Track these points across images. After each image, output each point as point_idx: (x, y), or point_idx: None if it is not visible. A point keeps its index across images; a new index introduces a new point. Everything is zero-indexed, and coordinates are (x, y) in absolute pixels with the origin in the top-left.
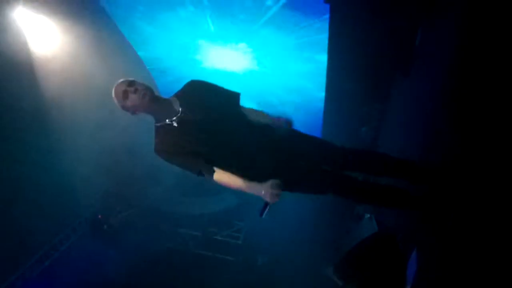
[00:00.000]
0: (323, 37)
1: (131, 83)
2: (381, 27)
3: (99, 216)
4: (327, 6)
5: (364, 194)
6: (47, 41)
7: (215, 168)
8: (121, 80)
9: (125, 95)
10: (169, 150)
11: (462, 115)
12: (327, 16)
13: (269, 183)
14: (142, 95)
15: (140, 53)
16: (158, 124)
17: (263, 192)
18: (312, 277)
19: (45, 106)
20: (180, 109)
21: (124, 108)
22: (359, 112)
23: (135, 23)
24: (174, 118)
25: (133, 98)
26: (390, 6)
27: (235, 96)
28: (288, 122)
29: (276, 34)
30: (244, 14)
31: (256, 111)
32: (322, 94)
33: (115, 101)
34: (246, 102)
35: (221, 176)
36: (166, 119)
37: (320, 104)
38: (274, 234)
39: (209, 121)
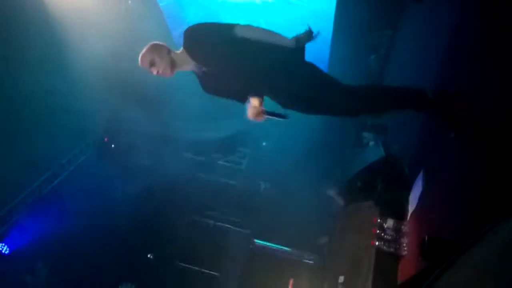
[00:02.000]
0: None
1: (152, 63)
2: None
3: (105, 139)
4: None
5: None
6: None
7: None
8: (143, 53)
9: (149, 70)
10: (211, 90)
11: (476, 47)
12: None
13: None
14: (163, 73)
15: None
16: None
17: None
18: (314, 200)
19: (53, 30)
20: (195, 64)
21: (150, 71)
22: (369, 39)
23: None
24: (197, 71)
25: (159, 66)
26: None
27: (236, 28)
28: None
29: None
30: None
31: (264, 31)
32: None
33: (141, 64)
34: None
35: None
36: (192, 70)
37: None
38: (278, 159)
39: (225, 65)
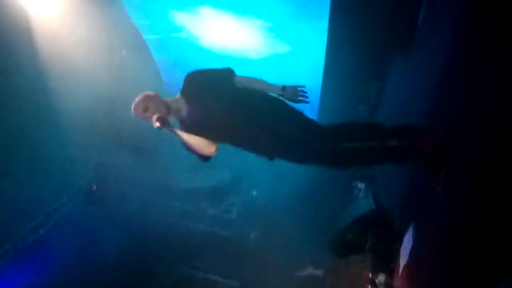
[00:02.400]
0: None
1: (145, 108)
2: (384, 4)
3: (94, 186)
4: None
5: (358, 157)
6: (45, 6)
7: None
8: (136, 101)
9: (144, 114)
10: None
11: (460, 98)
12: None
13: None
14: (156, 122)
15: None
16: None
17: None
18: (305, 253)
19: (41, 76)
20: (188, 108)
21: (142, 118)
22: (358, 90)
23: None
24: (185, 116)
25: (151, 114)
26: None
27: (227, 73)
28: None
29: None
30: None
31: (250, 79)
32: None
33: (134, 111)
34: None
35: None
36: (180, 117)
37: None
38: (268, 208)
39: (211, 112)
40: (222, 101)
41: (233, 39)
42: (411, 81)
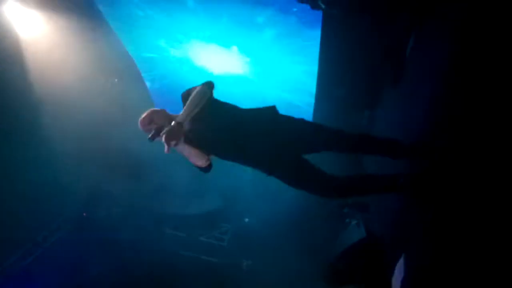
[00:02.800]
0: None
1: (151, 120)
2: (373, 36)
3: (84, 214)
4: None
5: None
6: (37, 34)
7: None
8: (143, 115)
9: (149, 128)
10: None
11: (451, 125)
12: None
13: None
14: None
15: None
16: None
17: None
18: (297, 282)
19: (30, 102)
20: (189, 123)
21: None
22: (348, 119)
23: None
24: (188, 130)
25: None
26: (384, 14)
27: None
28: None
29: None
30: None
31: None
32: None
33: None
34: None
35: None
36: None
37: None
38: (260, 236)
39: (211, 126)
40: (220, 115)
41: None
42: (402, 108)
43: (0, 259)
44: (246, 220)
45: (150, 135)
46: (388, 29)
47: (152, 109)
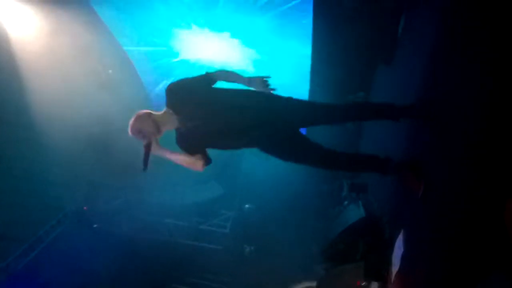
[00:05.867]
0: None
1: (139, 131)
2: (366, 14)
3: (84, 208)
4: None
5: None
6: (27, 30)
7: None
8: (130, 125)
9: (139, 133)
10: (185, 148)
11: (442, 107)
12: None
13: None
14: (150, 137)
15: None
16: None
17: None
18: (299, 265)
19: (27, 97)
20: (178, 118)
21: (137, 138)
22: (345, 100)
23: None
24: (179, 125)
25: (146, 133)
26: None
27: (205, 78)
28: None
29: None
30: None
31: (224, 72)
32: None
33: (130, 131)
34: None
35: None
36: (175, 128)
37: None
38: (261, 222)
39: (201, 117)
40: (208, 105)
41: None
42: (394, 88)
43: (3, 255)
44: (247, 206)
45: (144, 143)
46: (379, 8)
47: (136, 115)
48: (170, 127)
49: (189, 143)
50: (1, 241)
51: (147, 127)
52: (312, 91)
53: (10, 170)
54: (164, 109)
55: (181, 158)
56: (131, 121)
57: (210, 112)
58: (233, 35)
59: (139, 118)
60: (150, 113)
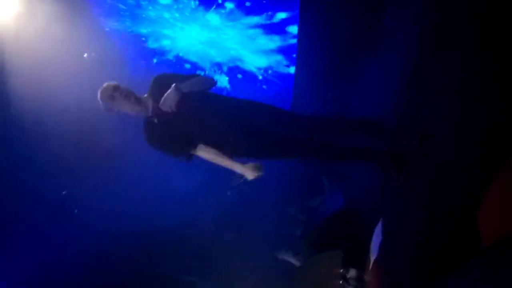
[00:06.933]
0: None
1: (116, 88)
2: (352, 5)
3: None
4: None
5: (331, 153)
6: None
7: (201, 148)
8: (106, 84)
9: (111, 99)
10: (156, 142)
11: (425, 96)
12: None
13: (251, 166)
14: (126, 98)
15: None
16: (144, 120)
17: (244, 172)
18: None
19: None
20: (155, 107)
21: (108, 109)
22: (328, 93)
23: None
24: (153, 115)
25: (118, 101)
26: None
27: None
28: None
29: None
30: None
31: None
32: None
33: (101, 102)
34: None
35: (209, 155)
36: (147, 116)
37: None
38: (242, 208)
39: (182, 113)
40: (192, 103)
41: None
42: (380, 78)
43: None
44: (228, 193)
45: (106, 109)
46: None
47: (115, 84)
48: (142, 112)
49: (159, 136)
50: None
51: (124, 95)
52: (296, 82)
53: None
54: (145, 95)
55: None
56: (105, 84)
57: (188, 110)
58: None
59: (117, 85)
60: (128, 88)
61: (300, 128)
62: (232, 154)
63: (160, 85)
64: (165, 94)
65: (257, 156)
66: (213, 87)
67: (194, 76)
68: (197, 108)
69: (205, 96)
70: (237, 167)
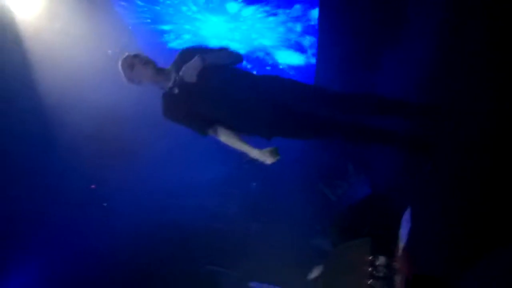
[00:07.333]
0: None
1: (136, 56)
2: None
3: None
4: None
5: (357, 135)
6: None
7: (220, 129)
8: (127, 53)
9: (131, 67)
10: (174, 114)
11: (451, 84)
12: None
13: (268, 150)
14: (146, 66)
15: None
16: (163, 92)
17: (261, 156)
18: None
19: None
20: (177, 77)
21: (130, 79)
22: (351, 80)
23: None
24: (174, 85)
25: (138, 69)
26: None
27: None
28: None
29: None
30: None
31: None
32: None
33: (122, 72)
34: None
35: (226, 138)
36: (168, 87)
37: None
38: (268, 199)
39: (205, 85)
40: (218, 76)
41: None
42: (403, 66)
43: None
44: (254, 184)
45: (128, 79)
46: None
47: (135, 52)
48: (163, 82)
49: (177, 110)
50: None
51: (144, 63)
52: (319, 67)
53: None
54: (169, 67)
55: None
56: (128, 54)
57: (210, 82)
58: None
59: (140, 54)
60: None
61: (327, 104)
62: (251, 133)
63: (185, 57)
64: (188, 63)
65: (281, 134)
66: (239, 63)
67: (221, 49)
68: (219, 80)
69: (229, 69)
70: (254, 152)
